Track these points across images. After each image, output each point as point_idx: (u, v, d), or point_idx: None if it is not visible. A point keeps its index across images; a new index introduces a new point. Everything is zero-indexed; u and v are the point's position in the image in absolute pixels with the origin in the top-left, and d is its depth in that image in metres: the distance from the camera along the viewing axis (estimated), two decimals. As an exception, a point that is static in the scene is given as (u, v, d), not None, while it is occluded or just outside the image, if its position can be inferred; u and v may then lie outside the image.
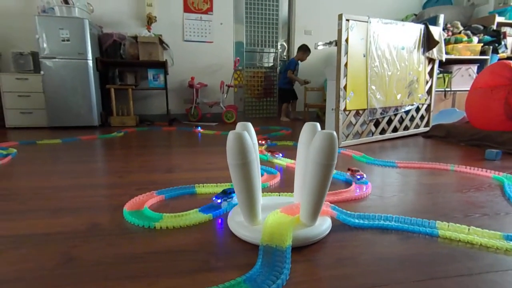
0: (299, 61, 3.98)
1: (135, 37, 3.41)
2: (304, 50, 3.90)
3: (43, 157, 1.79)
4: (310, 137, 0.85)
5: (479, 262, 0.69)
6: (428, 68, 2.55)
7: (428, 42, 2.43)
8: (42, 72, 3.00)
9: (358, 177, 1.23)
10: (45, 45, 2.96)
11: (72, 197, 1.10)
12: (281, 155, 1.71)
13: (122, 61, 3.45)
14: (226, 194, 1.00)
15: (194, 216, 0.92)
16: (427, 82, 2.57)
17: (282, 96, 4.16)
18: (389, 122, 2.42)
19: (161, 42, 3.55)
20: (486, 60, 3.32)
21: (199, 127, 3.04)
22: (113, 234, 0.82)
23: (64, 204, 1.03)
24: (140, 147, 2.12)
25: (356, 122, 2.17)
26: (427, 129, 2.65)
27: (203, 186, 1.19)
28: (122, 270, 0.65)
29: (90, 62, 3.09)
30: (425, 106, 2.62)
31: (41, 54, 2.97)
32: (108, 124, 3.38)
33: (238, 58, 3.96)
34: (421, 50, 2.42)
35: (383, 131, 2.40)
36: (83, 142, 2.32)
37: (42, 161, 1.68)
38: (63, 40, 2.99)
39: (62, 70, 3.03)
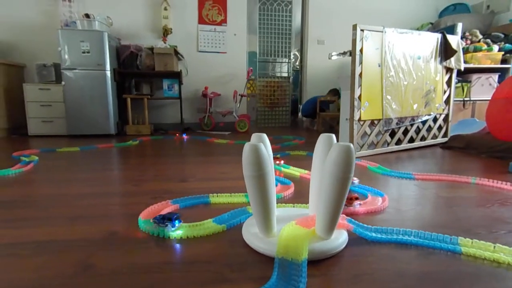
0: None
1: (151, 49, 3.51)
2: (334, 94, 4.05)
3: (62, 164, 1.84)
4: (325, 149, 0.84)
5: (506, 283, 0.66)
6: (446, 78, 2.50)
7: (445, 51, 2.39)
8: (63, 83, 3.12)
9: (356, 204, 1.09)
10: (66, 56, 3.08)
11: (90, 205, 1.12)
12: (282, 162, 1.78)
13: (138, 72, 3.55)
14: (166, 220, 0.87)
15: (208, 226, 0.91)
16: (445, 91, 2.52)
17: (311, 116, 4.24)
18: (405, 132, 2.38)
19: (176, 53, 3.64)
20: (507, 69, 3.22)
21: (184, 134, 3.25)
22: (130, 243, 0.83)
23: (82, 212, 1.05)
24: (154, 155, 2.15)
25: (371, 132, 2.14)
26: (446, 139, 2.59)
27: (217, 196, 1.19)
28: (138, 280, 0.66)
29: (108, 73, 3.20)
30: (443, 116, 2.56)
31: (63, 65, 3.09)
32: (124, 133, 3.46)
33: (251, 68, 4.00)
34: (438, 59, 2.38)
35: (399, 142, 2.35)
36: (100, 150, 2.38)
37: (61, 168, 1.73)
38: (84, 52, 3.11)
39: (81, 80, 3.14)
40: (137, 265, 0.71)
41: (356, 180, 1.37)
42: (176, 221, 0.88)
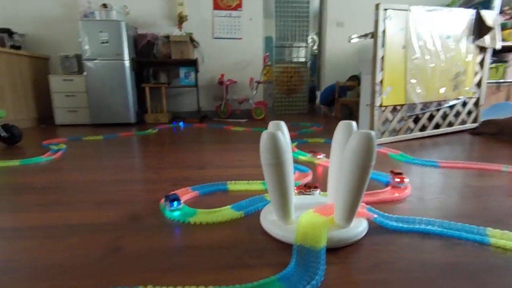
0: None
1: (167, 37, 3.52)
2: (353, 80, 3.96)
3: (88, 152, 1.92)
4: (345, 136, 0.82)
5: (539, 275, 0.62)
6: (479, 58, 2.34)
7: (479, 28, 2.21)
8: (85, 73, 3.21)
9: (398, 180, 1.15)
10: (87, 47, 3.15)
11: (114, 191, 1.17)
12: (323, 155, 1.62)
13: (155, 61, 3.59)
14: (167, 199, 0.94)
15: (226, 212, 0.93)
16: (476, 73, 2.36)
17: (330, 103, 4.14)
18: (431, 118, 2.27)
19: (192, 40, 3.63)
20: (548, 47, 2.97)
21: (174, 122, 3.28)
22: (152, 227, 0.85)
23: (107, 197, 1.09)
24: (173, 143, 2.19)
25: (393, 119, 2.06)
26: (476, 125, 2.45)
27: (235, 183, 1.20)
28: (162, 262, 0.68)
29: (127, 63, 3.25)
30: (473, 100, 2.42)
31: (84, 56, 3.17)
32: (143, 121, 3.54)
33: (267, 53, 3.94)
34: (471, 38, 2.22)
35: (423, 128, 2.26)
36: (121, 138, 2.46)
37: (87, 156, 1.80)
38: (103, 42, 3.17)
39: (102, 70, 3.22)
40: (161, 248, 0.74)
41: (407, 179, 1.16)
42: (174, 202, 0.93)
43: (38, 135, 2.69)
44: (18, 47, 3.28)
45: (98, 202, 1.05)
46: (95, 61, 3.19)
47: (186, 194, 1.09)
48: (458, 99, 2.30)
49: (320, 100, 4.26)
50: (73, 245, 0.76)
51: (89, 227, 0.86)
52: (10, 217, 0.94)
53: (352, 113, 4.12)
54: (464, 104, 2.40)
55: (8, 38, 3.17)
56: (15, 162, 1.60)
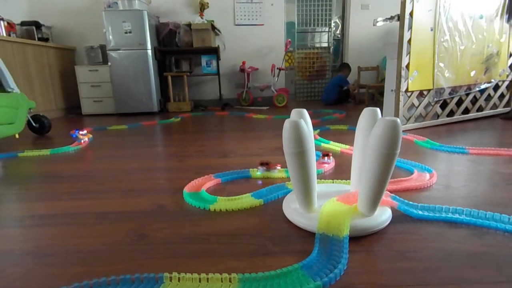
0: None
1: (189, 25, 3.52)
2: (349, 68, 3.88)
3: (113, 141, 2.00)
4: (369, 123, 0.81)
5: None
6: (513, 39, 2.19)
7: (514, 7, 2.07)
8: (109, 64, 3.30)
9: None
10: (111, 37, 3.23)
11: (140, 179, 1.21)
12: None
13: (177, 49, 3.62)
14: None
15: (246, 200, 0.94)
16: (510, 55, 2.21)
17: (341, 100, 3.88)
18: (459, 103, 2.17)
19: (213, 28, 3.61)
20: None
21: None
22: (177, 215, 0.89)
23: (133, 186, 1.14)
24: (196, 132, 2.23)
25: (419, 104, 1.98)
26: (508, 109, 2.32)
27: (257, 170, 1.21)
28: (186, 249, 0.71)
29: (150, 52, 3.30)
30: (506, 83, 2.28)
31: (108, 46, 3.25)
32: (166, 110, 3.61)
33: (289, 39, 3.86)
34: (506, 17, 2.07)
35: (451, 113, 2.16)
36: (145, 127, 2.53)
37: (113, 145, 1.88)
38: (126, 32, 3.22)
39: (125, 60, 3.29)
40: (185, 236, 0.77)
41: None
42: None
43: (66, 125, 2.82)
44: (45, 39, 3.40)
45: (124, 190, 1.09)
46: (118, 51, 3.27)
47: (209, 181, 1.12)
48: (489, 82, 2.17)
49: (322, 100, 3.92)
50: (101, 232, 0.80)
51: (116, 215, 0.90)
52: (42, 204, 1.00)
53: (373, 99, 3.99)
54: (496, 87, 2.26)
55: (36, 30, 3.30)
56: (46, 152, 1.69)
